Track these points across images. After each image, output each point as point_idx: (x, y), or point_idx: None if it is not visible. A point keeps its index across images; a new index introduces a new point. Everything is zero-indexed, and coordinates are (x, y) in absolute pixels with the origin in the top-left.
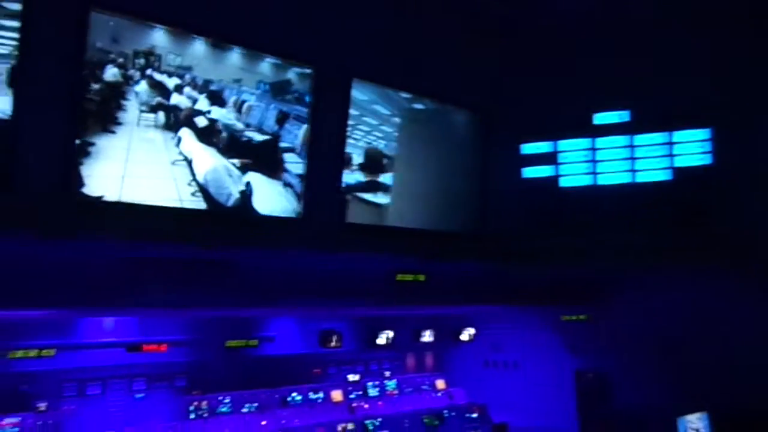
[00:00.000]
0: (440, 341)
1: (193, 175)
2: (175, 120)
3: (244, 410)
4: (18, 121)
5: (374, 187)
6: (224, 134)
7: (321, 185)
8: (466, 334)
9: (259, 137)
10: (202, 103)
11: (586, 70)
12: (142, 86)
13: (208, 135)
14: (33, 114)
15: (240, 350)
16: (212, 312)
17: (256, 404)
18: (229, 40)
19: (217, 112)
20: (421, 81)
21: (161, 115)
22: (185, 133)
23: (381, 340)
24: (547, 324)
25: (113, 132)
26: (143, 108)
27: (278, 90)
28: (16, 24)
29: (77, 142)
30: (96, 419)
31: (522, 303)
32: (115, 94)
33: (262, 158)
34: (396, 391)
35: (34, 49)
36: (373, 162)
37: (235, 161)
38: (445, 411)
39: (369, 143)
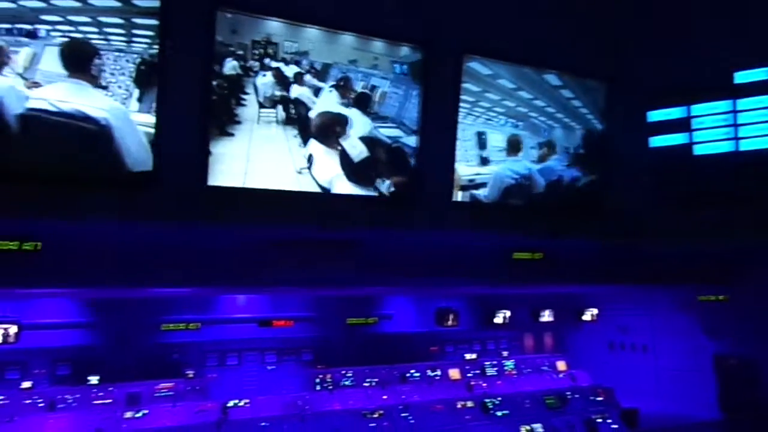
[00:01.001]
0: (560, 321)
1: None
2: (297, 111)
3: (366, 384)
4: (159, 122)
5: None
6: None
7: (433, 165)
8: (589, 314)
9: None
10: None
11: (723, 23)
12: (263, 78)
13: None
14: (170, 112)
15: (360, 327)
16: (335, 291)
17: (376, 379)
18: (339, 26)
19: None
20: (541, 52)
21: (282, 108)
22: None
23: (498, 319)
24: (680, 305)
25: (238, 122)
26: (265, 101)
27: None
28: (149, 22)
29: (208, 137)
30: (234, 387)
31: (652, 283)
32: (236, 88)
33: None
34: (514, 371)
35: (168, 49)
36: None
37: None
38: (568, 393)
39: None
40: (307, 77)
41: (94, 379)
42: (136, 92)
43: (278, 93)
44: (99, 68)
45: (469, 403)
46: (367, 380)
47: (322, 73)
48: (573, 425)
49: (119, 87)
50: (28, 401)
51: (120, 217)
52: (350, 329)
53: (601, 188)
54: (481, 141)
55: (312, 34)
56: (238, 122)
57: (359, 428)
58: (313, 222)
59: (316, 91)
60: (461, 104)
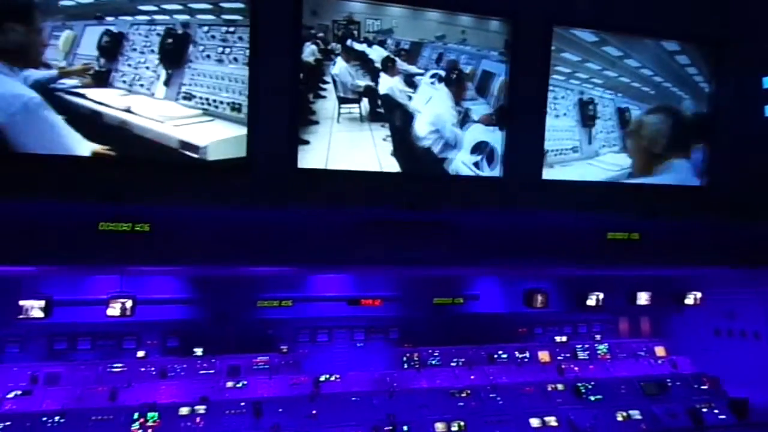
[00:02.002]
0: (659, 305)
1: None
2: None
3: (453, 364)
4: (251, 110)
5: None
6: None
7: (522, 143)
8: (691, 298)
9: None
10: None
11: None
12: (342, 63)
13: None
14: (263, 99)
15: (446, 307)
16: (422, 271)
17: (463, 359)
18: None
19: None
20: (644, 18)
21: (368, 101)
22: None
23: (591, 301)
24: None
25: (324, 98)
26: (345, 85)
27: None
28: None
29: (295, 122)
30: (325, 362)
31: (763, 265)
32: (316, 73)
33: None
34: (608, 356)
35: (260, 38)
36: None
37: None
38: (668, 380)
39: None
40: (398, 62)
41: (198, 351)
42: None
43: (361, 83)
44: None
45: (560, 386)
46: (454, 360)
47: (413, 55)
48: (675, 413)
49: None
50: (142, 369)
51: (219, 201)
52: (437, 309)
53: (709, 162)
54: (581, 113)
55: (395, 12)
56: (316, 120)
57: (447, 406)
58: (401, 203)
59: (412, 83)
60: (555, 76)
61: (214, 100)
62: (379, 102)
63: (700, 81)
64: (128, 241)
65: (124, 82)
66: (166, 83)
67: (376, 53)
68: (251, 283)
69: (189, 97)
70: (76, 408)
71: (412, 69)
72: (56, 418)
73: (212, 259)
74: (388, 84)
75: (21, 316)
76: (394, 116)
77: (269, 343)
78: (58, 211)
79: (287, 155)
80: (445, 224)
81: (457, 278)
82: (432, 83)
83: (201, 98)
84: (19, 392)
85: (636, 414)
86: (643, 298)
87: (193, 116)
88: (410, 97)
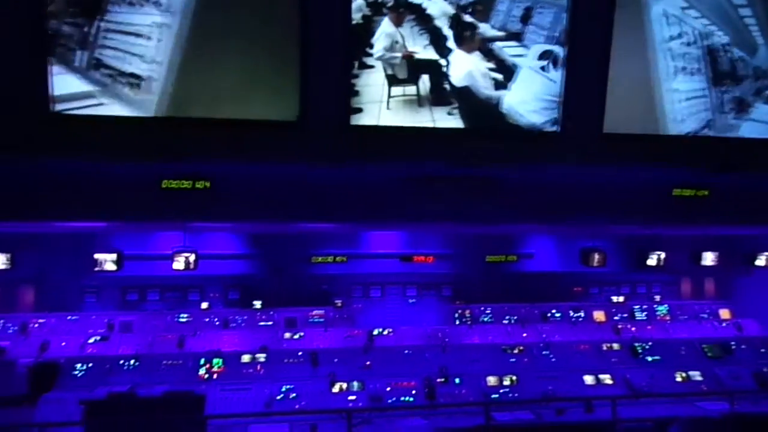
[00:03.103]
0: (725, 266)
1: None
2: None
3: (505, 321)
4: (305, 69)
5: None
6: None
7: (581, 93)
8: (763, 259)
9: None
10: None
11: None
12: (389, 25)
13: (466, 41)
14: (314, 59)
15: (499, 265)
16: (476, 228)
17: (515, 317)
18: None
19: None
20: None
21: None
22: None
23: (651, 261)
24: None
25: (371, 66)
26: (391, 38)
27: None
28: None
29: (350, 80)
30: (378, 316)
31: None
32: (366, 27)
33: (507, 67)
34: (668, 317)
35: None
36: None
37: (490, 70)
38: (732, 343)
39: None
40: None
41: (257, 304)
42: None
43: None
44: None
45: (616, 346)
46: (507, 317)
47: (485, 10)
48: (738, 376)
49: None
50: (206, 319)
51: (276, 158)
52: (489, 267)
53: None
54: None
55: None
56: (358, 105)
57: (499, 362)
58: (455, 159)
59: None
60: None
61: None
62: (447, 85)
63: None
64: (189, 198)
65: None
66: None
67: (437, 7)
68: (306, 239)
69: None
70: (148, 353)
71: (500, 42)
72: (131, 362)
73: (269, 215)
74: (463, 65)
75: (96, 269)
76: (469, 103)
77: (324, 297)
78: (124, 172)
79: (340, 112)
80: (500, 180)
81: (511, 236)
82: (542, 68)
83: None
84: (98, 338)
85: (696, 375)
86: (708, 258)
87: None
88: (502, 84)
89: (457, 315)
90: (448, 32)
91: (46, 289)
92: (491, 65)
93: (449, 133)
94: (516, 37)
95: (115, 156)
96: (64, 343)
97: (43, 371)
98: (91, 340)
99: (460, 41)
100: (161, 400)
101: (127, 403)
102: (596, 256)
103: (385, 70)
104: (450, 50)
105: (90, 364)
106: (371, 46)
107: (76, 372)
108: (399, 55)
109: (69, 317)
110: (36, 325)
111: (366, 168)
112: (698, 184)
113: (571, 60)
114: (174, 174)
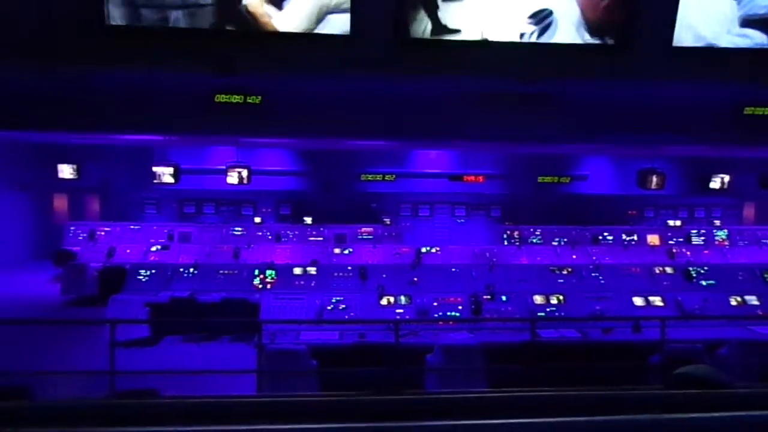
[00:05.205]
0: None
1: None
2: None
3: (554, 243)
4: None
5: None
6: None
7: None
8: None
9: None
10: None
11: None
12: None
13: None
14: None
15: (551, 186)
16: (529, 147)
17: (565, 239)
18: None
19: None
20: None
21: None
22: None
23: (714, 184)
24: None
25: None
26: None
27: None
28: None
29: None
30: (426, 235)
31: None
32: None
33: None
34: (726, 242)
35: None
36: None
37: None
38: None
39: None
40: None
41: (308, 220)
42: None
43: None
44: None
45: (669, 270)
46: (556, 239)
47: None
48: None
49: None
50: (259, 233)
51: (328, 72)
52: (541, 187)
53: None
54: None
55: None
56: None
57: (547, 281)
58: (515, 74)
59: None
60: None
61: None
62: None
63: None
64: (241, 113)
65: None
66: None
67: None
68: (356, 157)
69: None
70: (206, 263)
71: None
72: (191, 270)
73: (319, 130)
74: None
75: (155, 181)
76: None
77: (372, 215)
78: (179, 84)
79: (394, 25)
80: (556, 97)
81: (565, 156)
82: None
83: None
84: (159, 246)
85: (753, 299)
86: None
87: None
88: None
89: (505, 235)
90: None
91: (110, 199)
92: None
93: (507, 47)
94: None
95: (170, 68)
96: (128, 251)
97: (112, 275)
98: (153, 249)
99: None
100: (219, 305)
101: (188, 307)
102: (654, 179)
103: None
104: None
105: (153, 271)
106: None
107: (141, 277)
108: None
109: (132, 227)
110: (102, 233)
111: (417, 83)
112: None
113: None
114: (226, 88)
